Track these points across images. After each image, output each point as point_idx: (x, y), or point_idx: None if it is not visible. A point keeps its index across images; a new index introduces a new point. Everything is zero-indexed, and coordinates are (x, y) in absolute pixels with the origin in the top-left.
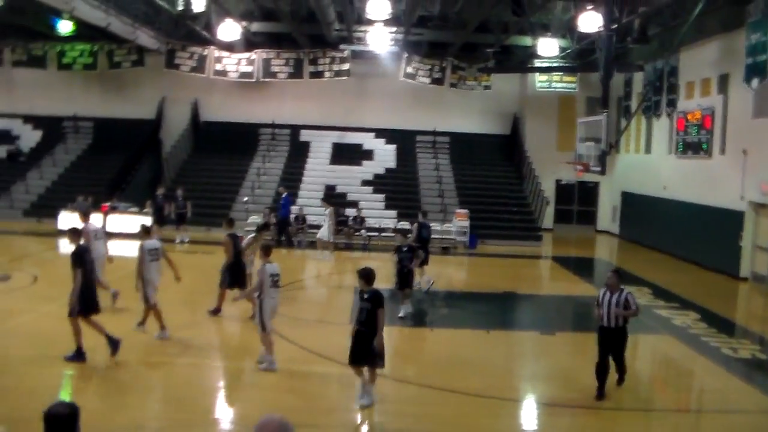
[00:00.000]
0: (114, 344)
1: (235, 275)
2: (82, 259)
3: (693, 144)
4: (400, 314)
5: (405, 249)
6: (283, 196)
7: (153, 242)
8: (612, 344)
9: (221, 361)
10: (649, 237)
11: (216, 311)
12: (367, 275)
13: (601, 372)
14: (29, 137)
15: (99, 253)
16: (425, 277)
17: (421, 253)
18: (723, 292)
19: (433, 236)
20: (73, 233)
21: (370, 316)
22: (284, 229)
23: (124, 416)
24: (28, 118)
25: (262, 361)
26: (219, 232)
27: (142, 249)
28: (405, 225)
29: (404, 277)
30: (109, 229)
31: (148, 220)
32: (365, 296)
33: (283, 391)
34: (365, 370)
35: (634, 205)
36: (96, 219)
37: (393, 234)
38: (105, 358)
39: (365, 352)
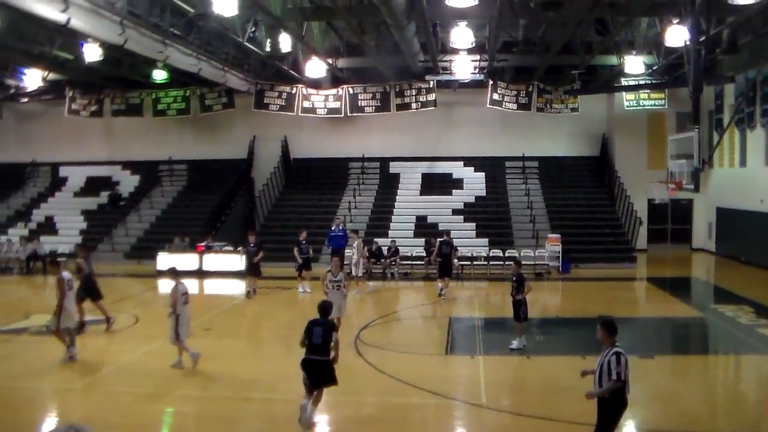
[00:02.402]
0: None
1: (88, 290)
2: None
3: None
4: (512, 345)
5: (513, 279)
6: (332, 228)
7: (68, 274)
8: (599, 413)
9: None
10: (747, 253)
11: (81, 325)
12: (320, 308)
13: None
14: (128, 182)
15: None
16: (444, 289)
17: (530, 284)
18: None
19: (525, 262)
20: None
21: None
22: None
23: None
24: (126, 164)
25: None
26: (317, 267)
27: (63, 283)
28: (513, 253)
29: (514, 308)
30: (205, 268)
31: (241, 263)
32: None
33: (382, 422)
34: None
35: (730, 220)
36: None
37: (485, 262)
38: (205, 395)
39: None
